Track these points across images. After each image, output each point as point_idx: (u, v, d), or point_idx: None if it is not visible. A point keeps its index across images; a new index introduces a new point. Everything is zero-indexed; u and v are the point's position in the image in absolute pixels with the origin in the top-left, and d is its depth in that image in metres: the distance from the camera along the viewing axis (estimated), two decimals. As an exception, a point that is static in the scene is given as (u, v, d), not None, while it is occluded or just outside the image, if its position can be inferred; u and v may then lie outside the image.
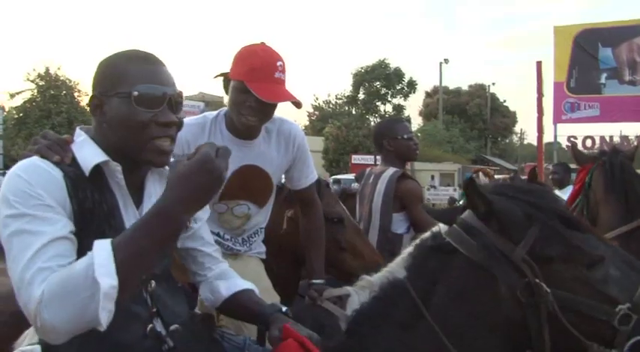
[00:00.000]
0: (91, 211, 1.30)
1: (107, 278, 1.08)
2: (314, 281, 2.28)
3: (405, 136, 3.44)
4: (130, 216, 1.38)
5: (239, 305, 1.63)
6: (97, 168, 1.34)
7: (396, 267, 1.61)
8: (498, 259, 1.38)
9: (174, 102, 1.36)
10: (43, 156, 1.32)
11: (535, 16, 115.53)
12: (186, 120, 2.17)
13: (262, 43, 2.18)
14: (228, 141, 2.13)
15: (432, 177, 26.76)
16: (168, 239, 1.20)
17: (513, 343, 1.39)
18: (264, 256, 2.51)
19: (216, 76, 2.16)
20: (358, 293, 1.92)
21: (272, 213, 2.52)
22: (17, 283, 1.14)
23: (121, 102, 1.33)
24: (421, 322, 1.42)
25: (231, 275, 1.68)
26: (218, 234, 2.26)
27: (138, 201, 1.42)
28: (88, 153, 1.35)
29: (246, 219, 2.33)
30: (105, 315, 1.09)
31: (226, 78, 2.15)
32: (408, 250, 1.72)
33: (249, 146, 2.20)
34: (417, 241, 1.57)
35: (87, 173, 1.32)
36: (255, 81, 2.04)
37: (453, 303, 1.42)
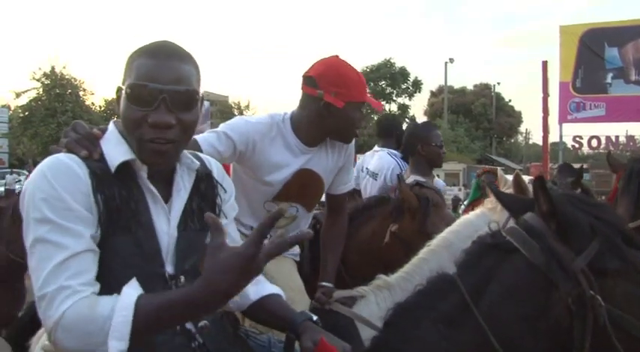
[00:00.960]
0: (117, 208, 1.29)
1: (118, 342, 1.12)
2: (323, 283, 2.28)
3: (438, 144, 3.54)
4: (159, 212, 1.37)
5: (267, 310, 1.59)
6: (125, 164, 1.33)
7: (427, 263, 1.60)
8: (559, 265, 1.37)
9: (172, 101, 1.28)
10: (71, 151, 1.32)
11: (541, 16, 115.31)
12: (254, 118, 2.22)
13: (337, 56, 2.25)
14: (294, 145, 2.18)
15: (437, 177, 26.70)
16: (188, 321, 1.24)
17: (556, 348, 1.39)
18: (297, 258, 2.55)
19: (321, 100, 2.15)
20: (375, 294, 1.91)
21: (375, 225, 2.59)
22: (38, 295, 1.18)
23: (123, 98, 1.32)
24: (468, 319, 1.41)
25: (260, 279, 1.61)
26: None
27: (167, 195, 1.40)
28: (114, 149, 1.34)
29: (291, 221, 2.35)
30: None
31: (322, 100, 2.16)
32: (440, 248, 1.71)
33: (311, 152, 2.24)
34: (475, 238, 1.55)
35: (112, 170, 1.31)
36: (366, 94, 2.21)
37: (504, 303, 1.40)
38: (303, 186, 2.24)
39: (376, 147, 4.17)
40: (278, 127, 2.18)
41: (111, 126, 1.41)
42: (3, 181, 22.53)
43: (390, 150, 4.06)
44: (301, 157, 2.19)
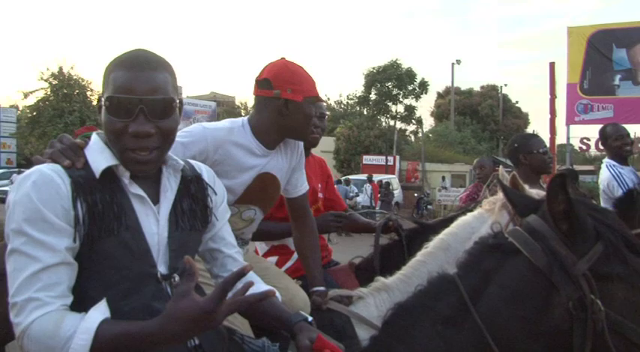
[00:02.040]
0: (100, 213, 1.32)
1: None
2: (316, 288, 2.28)
3: (540, 150, 3.55)
4: (147, 213, 1.40)
5: (263, 310, 1.61)
6: (109, 170, 1.36)
7: (425, 265, 1.59)
8: (560, 267, 1.37)
9: (150, 111, 1.33)
10: (55, 161, 1.35)
11: (548, 17, 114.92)
12: (212, 125, 2.21)
13: (284, 58, 2.28)
14: (255, 148, 2.20)
15: (444, 178, 26.68)
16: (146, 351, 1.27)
17: (554, 351, 1.39)
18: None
19: (279, 99, 2.18)
20: (373, 296, 1.91)
21: None
22: (10, 302, 1.24)
23: (103, 109, 1.35)
24: (466, 320, 1.41)
25: (255, 279, 1.65)
26: None
27: (155, 196, 1.44)
28: (98, 157, 1.38)
29: (249, 223, 2.38)
30: None
31: (280, 99, 2.18)
32: (437, 250, 1.70)
33: (270, 155, 2.26)
34: (477, 239, 1.56)
35: (97, 176, 1.35)
36: (317, 90, 2.23)
37: (503, 305, 1.40)
38: (262, 189, 2.27)
39: None
40: (239, 132, 2.20)
41: (94, 136, 1.44)
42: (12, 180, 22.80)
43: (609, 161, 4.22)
44: (262, 160, 2.22)
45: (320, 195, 2.94)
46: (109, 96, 1.33)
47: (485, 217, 1.82)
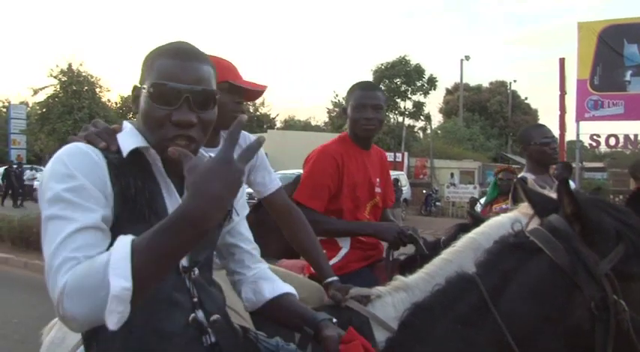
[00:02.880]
0: (133, 197, 1.31)
1: (120, 279, 1.05)
2: (330, 279, 2.21)
3: (539, 141, 3.51)
4: (173, 202, 1.38)
5: (285, 308, 1.60)
6: (140, 155, 1.35)
7: (451, 264, 1.60)
8: (583, 268, 1.35)
9: (194, 100, 1.32)
10: (89, 143, 1.34)
11: (558, 12, 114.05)
12: None
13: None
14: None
15: (452, 175, 26.61)
16: (188, 244, 1.14)
17: (576, 351, 1.37)
18: None
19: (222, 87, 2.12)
20: (392, 295, 1.87)
21: None
22: (46, 269, 1.16)
23: (145, 97, 1.34)
24: (486, 319, 1.39)
25: (274, 278, 1.65)
26: None
27: (180, 188, 1.41)
28: (129, 140, 1.36)
29: None
30: (114, 317, 1.06)
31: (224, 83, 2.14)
32: (466, 249, 1.68)
33: (214, 152, 2.22)
34: (497, 239, 1.53)
35: (124, 154, 1.33)
36: (233, 76, 2.19)
37: (524, 304, 1.39)
38: None
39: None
40: None
41: (125, 123, 1.44)
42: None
43: None
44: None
45: (378, 189, 2.84)
46: (153, 83, 1.31)
47: (522, 219, 1.76)
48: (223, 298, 1.53)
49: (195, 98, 1.32)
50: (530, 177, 3.23)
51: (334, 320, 1.54)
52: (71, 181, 1.22)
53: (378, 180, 2.84)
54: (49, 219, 1.20)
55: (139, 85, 1.38)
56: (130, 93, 1.43)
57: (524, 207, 1.86)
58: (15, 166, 23.24)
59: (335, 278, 2.22)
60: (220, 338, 1.40)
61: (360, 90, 2.79)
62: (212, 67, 1.41)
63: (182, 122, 1.31)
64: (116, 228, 1.27)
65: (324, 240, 2.66)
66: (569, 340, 1.36)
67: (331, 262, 2.60)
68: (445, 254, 1.79)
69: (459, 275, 1.50)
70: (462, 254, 1.71)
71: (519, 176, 3.41)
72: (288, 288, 1.65)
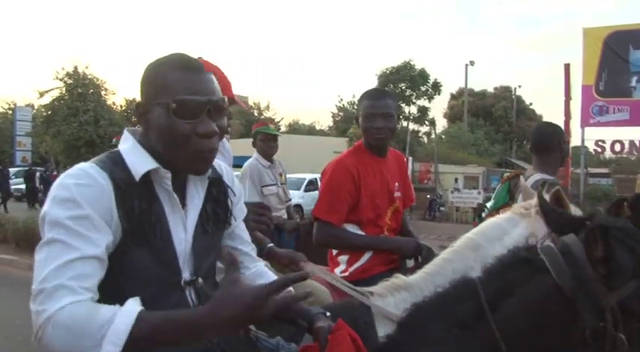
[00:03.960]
0: (138, 220, 1.32)
1: (112, 346, 1.10)
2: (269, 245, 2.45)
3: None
4: (176, 219, 1.40)
5: None
6: (145, 175, 1.35)
7: (451, 264, 1.61)
8: (587, 296, 1.34)
9: (214, 110, 1.35)
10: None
11: (563, 18, 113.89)
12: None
13: (200, 57, 2.30)
14: None
15: (456, 180, 26.53)
16: (190, 340, 1.20)
17: None
18: None
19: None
20: (393, 294, 1.88)
21: None
22: (36, 289, 1.17)
23: (161, 113, 1.33)
24: (483, 327, 1.40)
25: (271, 275, 1.70)
26: None
27: (181, 203, 1.43)
28: (138, 160, 1.36)
29: None
30: None
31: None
32: (464, 249, 1.69)
33: None
34: (511, 248, 1.53)
35: (137, 179, 1.34)
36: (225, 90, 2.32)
37: (521, 318, 1.39)
38: None
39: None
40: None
41: (127, 134, 1.43)
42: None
43: None
44: None
45: (397, 194, 2.85)
46: (176, 99, 1.31)
47: (517, 220, 1.78)
48: None
49: (215, 108, 1.35)
50: (549, 178, 3.18)
51: (328, 314, 1.57)
52: (76, 209, 1.23)
53: (396, 184, 2.85)
54: (50, 242, 1.21)
55: (149, 102, 1.37)
56: (135, 109, 1.42)
57: (520, 208, 1.88)
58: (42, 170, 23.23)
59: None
60: (221, 339, 1.42)
61: (369, 99, 2.80)
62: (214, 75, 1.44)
63: (209, 133, 1.33)
64: (121, 249, 1.29)
65: None
66: None
67: (355, 265, 2.68)
68: (445, 253, 1.82)
69: (462, 279, 1.51)
70: (460, 253, 1.74)
71: (539, 177, 3.26)
72: None
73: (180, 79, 1.33)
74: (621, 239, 1.39)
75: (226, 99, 1.40)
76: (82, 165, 1.33)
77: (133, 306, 1.15)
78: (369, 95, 2.84)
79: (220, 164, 1.63)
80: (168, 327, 1.15)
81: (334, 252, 2.80)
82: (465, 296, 1.46)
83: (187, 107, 1.32)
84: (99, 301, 1.22)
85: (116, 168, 1.34)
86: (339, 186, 2.66)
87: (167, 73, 1.35)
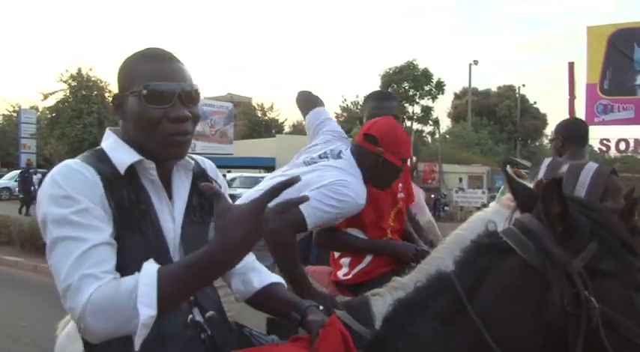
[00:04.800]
0: (128, 211, 1.36)
1: (147, 308, 1.15)
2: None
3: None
4: (164, 210, 1.44)
5: (273, 296, 1.64)
6: (130, 168, 1.39)
7: (441, 261, 1.64)
8: (554, 266, 1.38)
9: (185, 97, 1.40)
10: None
11: (566, 17, 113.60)
12: (347, 185, 2.33)
13: (392, 117, 2.58)
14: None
15: (460, 180, 26.54)
16: (210, 279, 1.29)
17: (550, 348, 1.41)
18: None
19: (380, 156, 2.47)
20: (391, 294, 1.90)
21: None
22: (63, 287, 1.22)
23: (134, 101, 1.39)
24: (463, 317, 1.43)
25: (262, 269, 1.70)
26: None
27: (168, 194, 1.48)
28: (121, 153, 1.41)
29: None
30: (139, 340, 1.17)
31: (381, 156, 2.48)
32: (453, 245, 1.70)
33: None
34: (474, 238, 1.57)
35: (122, 172, 1.38)
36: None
37: (498, 302, 1.42)
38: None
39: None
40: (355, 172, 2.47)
41: (108, 132, 1.48)
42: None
43: None
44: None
45: (400, 195, 2.87)
46: (146, 85, 1.36)
47: (503, 212, 1.80)
48: (217, 294, 1.59)
49: (186, 95, 1.40)
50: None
51: (320, 307, 1.59)
52: (75, 204, 1.27)
53: (400, 185, 2.86)
54: (60, 240, 1.25)
55: (123, 93, 1.42)
56: (112, 103, 1.48)
57: (505, 200, 1.91)
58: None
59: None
60: (216, 333, 1.45)
61: (374, 100, 2.83)
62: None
63: (180, 117, 1.38)
64: (116, 239, 1.32)
65: None
66: (544, 337, 1.39)
67: (358, 268, 2.69)
68: (435, 251, 1.85)
69: (438, 273, 1.55)
70: (449, 249, 1.76)
71: (586, 165, 3.50)
72: (276, 278, 1.70)
73: (151, 68, 1.40)
74: (576, 206, 1.45)
75: (197, 89, 1.44)
76: (67, 162, 1.37)
77: (151, 267, 1.20)
78: (373, 96, 2.88)
79: (204, 160, 1.68)
80: (187, 273, 1.20)
81: (336, 254, 2.81)
82: (442, 290, 1.49)
83: (158, 93, 1.37)
84: None
85: (101, 163, 1.38)
86: None
87: (138, 64, 1.42)
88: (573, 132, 3.81)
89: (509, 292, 1.42)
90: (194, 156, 1.65)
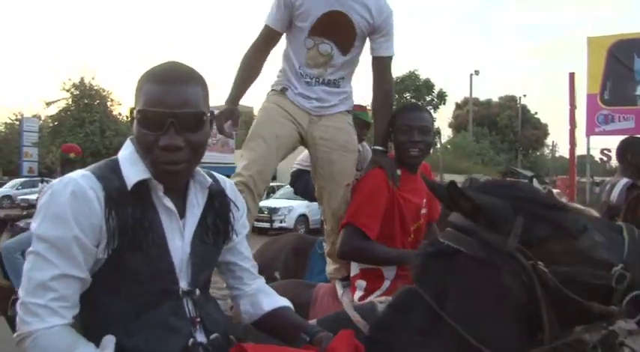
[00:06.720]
0: (131, 227, 1.33)
1: None
2: (375, 147, 2.67)
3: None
4: (173, 228, 1.41)
5: (281, 320, 1.63)
6: (141, 182, 1.36)
7: None
8: (496, 252, 1.43)
9: (181, 124, 1.32)
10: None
11: (567, 27, 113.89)
12: None
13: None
14: None
15: (461, 189, 26.47)
16: None
17: (527, 327, 1.44)
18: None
19: None
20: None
21: None
22: (23, 299, 1.26)
23: (135, 121, 1.36)
24: (441, 325, 1.45)
25: (272, 292, 1.69)
26: (306, 75, 2.74)
27: (181, 211, 1.44)
28: (133, 168, 1.38)
29: (329, 59, 2.71)
30: None
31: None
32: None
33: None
34: (417, 251, 1.62)
35: (129, 188, 1.35)
36: None
37: (466, 302, 1.45)
38: (333, 25, 2.65)
39: None
40: None
41: (128, 143, 1.45)
42: (34, 189, 23.05)
43: None
44: None
45: (423, 210, 2.66)
46: (140, 109, 1.33)
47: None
48: (224, 315, 1.56)
49: (182, 121, 1.32)
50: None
51: (330, 334, 1.56)
52: (64, 228, 1.28)
53: (424, 200, 2.67)
54: (35, 253, 1.28)
55: (134, 110, 1.39)
56: (128, 115, 1.45)
57: None
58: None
59: (380, 148, 2.69)
60: (205, 318, 1.44)
61: (406, 111, 2.67)
62: (202, 87, 1.40)
63: (169, 146, 1.32)
64: (114, 257, 1.32)
65: (370, 271, 2.53)
66: (520, 318, 1.43)
67: (375, 294, 2.49)
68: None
69: (404, 290, 1.58)
70: None
71: (619, 182, 3.77)
72: (285, 302, 1.68)
73: (150, 90, 1.34)
74: (491, 190, 1.52)
75: (206, 114, 1.38)
76: (76, 175, 1.34)
77: None
78: (406, 107, 2.77)
79: (225, 179, 1.63)
80: None
81: (353, 270, 2.62)
82: (413, 305, 1.51)
83: (148, 118, 1.32)
84: (97, 304, 1.32)
85: (112, 175, 1.36)
86: (378, 197, 2.49)
87: (144, 82, 1.37)
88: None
89: (472, 289, 1.46)
90: (215, 174, 1.61)
